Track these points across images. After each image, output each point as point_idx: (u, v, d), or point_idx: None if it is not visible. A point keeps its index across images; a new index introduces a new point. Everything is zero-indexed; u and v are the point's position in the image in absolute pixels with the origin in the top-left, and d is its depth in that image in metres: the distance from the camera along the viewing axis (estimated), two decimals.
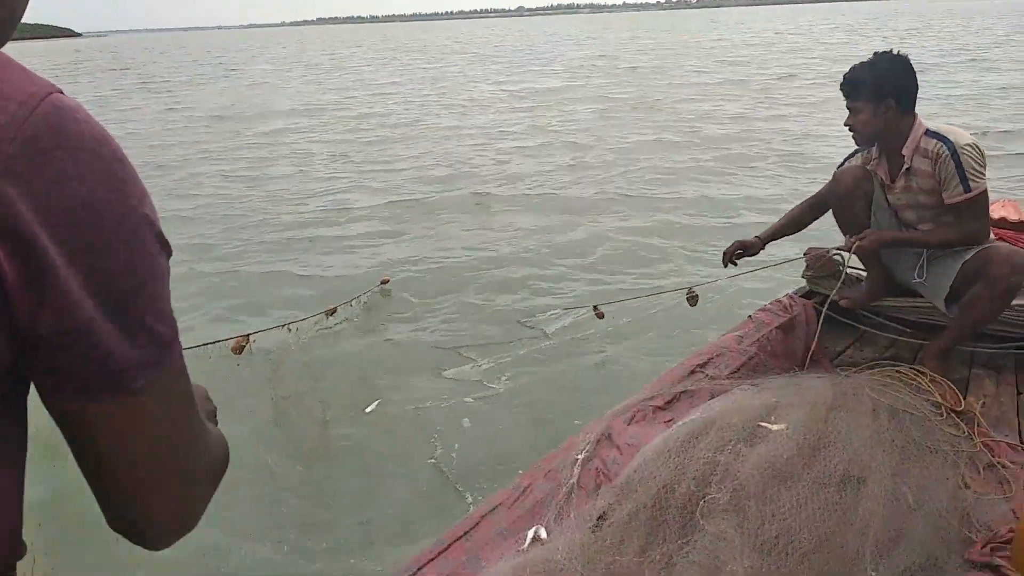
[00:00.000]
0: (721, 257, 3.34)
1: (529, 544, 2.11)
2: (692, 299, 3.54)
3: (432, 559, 2.05)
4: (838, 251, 3.17)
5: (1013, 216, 3.93)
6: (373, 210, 8.43)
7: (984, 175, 2.76)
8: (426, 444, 3.73)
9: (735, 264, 3.32)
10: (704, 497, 2.07)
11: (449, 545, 2.10)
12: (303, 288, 6.03)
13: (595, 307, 3.78)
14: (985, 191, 2.77)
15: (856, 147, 3.14)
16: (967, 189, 2.76)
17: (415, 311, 5.43)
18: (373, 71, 30.26)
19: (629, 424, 2.59)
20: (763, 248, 3.31)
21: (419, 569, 2.02)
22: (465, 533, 2.16)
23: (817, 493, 2.08)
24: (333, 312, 4.91)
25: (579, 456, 2.41)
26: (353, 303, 5.21)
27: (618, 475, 2.30)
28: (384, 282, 5.68)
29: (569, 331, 4.84)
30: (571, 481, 2.32)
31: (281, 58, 45.37)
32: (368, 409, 4.01)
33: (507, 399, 4.12)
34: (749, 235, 3.37)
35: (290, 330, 4.56)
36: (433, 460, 3.61)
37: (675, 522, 2.04)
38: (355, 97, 20.42)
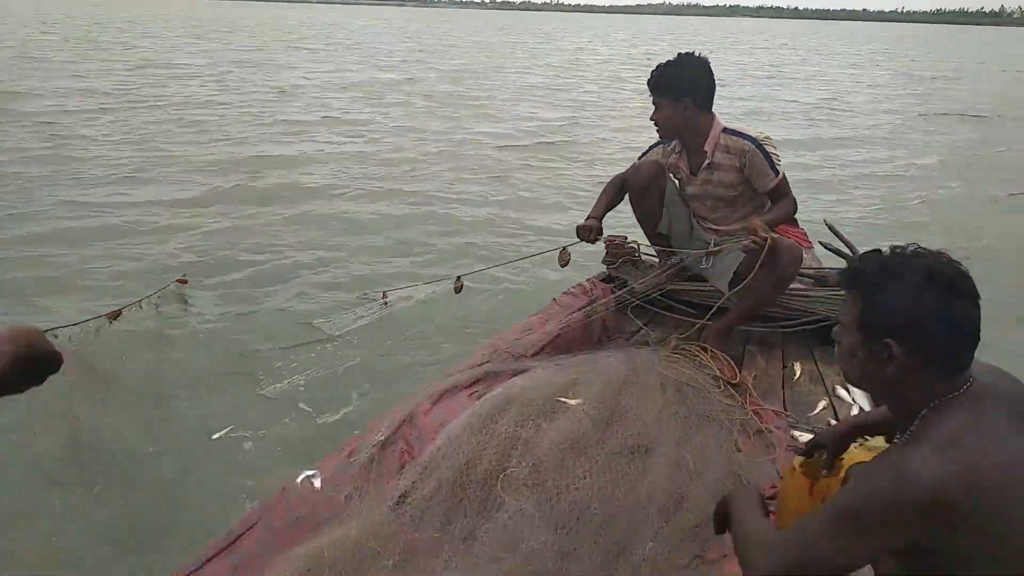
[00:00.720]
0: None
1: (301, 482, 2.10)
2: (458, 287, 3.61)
3: (222, 550, 1.91)
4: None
5: None
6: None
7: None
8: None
9: (593, 243, 3.36)
10: (505, 471, 2.10)
11: (239, 536, 1.96)
12: (82, 285, 5.27)
13: (457, 279, 3.69)
14: (784, 174, 3.13)
15: (657, 141, 3.35)
16: (777, 173, 3.09)
17: (213, 311, 4.97)
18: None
19: (434, 405, 2.56)
20: (600, 225, 3.37)
21: (205, 563, 1.86)
22: (260, 519, 2.02)
23: (610, 464, 2.18)
24: (117, 316, 4.18)
25: (380, 438, 2.35)
26: (143, 304, 4.59)
27: (422, 454, 2.27)
28: (182, 282, 5.11)
29: (367, 321, 4.71)
30: (371, 463, 2.25)
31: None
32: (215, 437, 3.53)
33: (306, 396, 3.89)
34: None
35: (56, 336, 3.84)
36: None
37: (477, 497, 2.05)
38: None
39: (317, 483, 2.14)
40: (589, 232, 3.27)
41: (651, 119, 3.15)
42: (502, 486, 2.04)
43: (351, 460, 2.28)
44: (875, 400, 1.51)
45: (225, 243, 6.19)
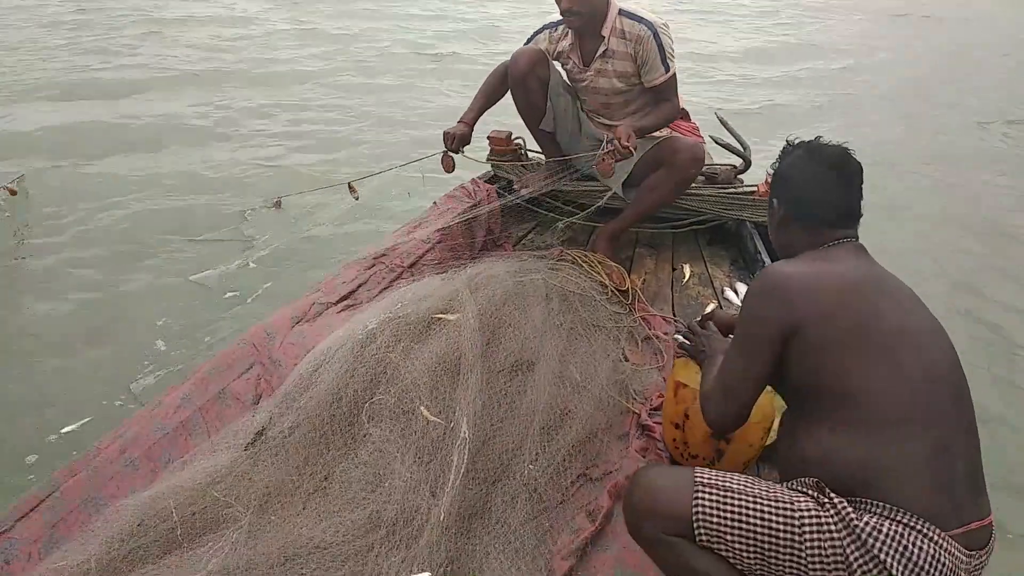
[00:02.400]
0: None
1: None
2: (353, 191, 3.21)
3: (39, 503, 1.63)
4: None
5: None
6: None
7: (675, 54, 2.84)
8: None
9: (457, 153, 3.06)
10: (371, 400, 1.89)
11: (59, 487, 1.68)
12: None
13: (350, 184, 3.29)
14: (675, 73, 2.85)
15: (544, 25, 3.03)
16: (667, 69, 2.81)
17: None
18: None
19: (298, 324, 2.30)
20: (471, 131, 3.09)
21: (20, 519, 1.58)
22: (87, 467, 1.75)
23: (487, 384, 2.02)
24: None
25: (234, 365, 2.09)
26: None
27: (282, 382, 2.03)
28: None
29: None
30: (222, 394, 2.00)
31: None
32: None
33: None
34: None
35: None
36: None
37: (341, 430, 1.85)
38: None
39: None
40: (451, 140, 2.97)
41: (566, 8, 2.70)
42: (367, 416, 1.83)
43: (199, 391, 2.01)
44: (780, 254, 1.75)
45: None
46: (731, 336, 1.87)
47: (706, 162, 3.58)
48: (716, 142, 3.49)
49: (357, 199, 3.20)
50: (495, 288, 2.43)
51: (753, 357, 1.48)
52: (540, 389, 2.08)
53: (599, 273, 2.79)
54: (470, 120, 3.04)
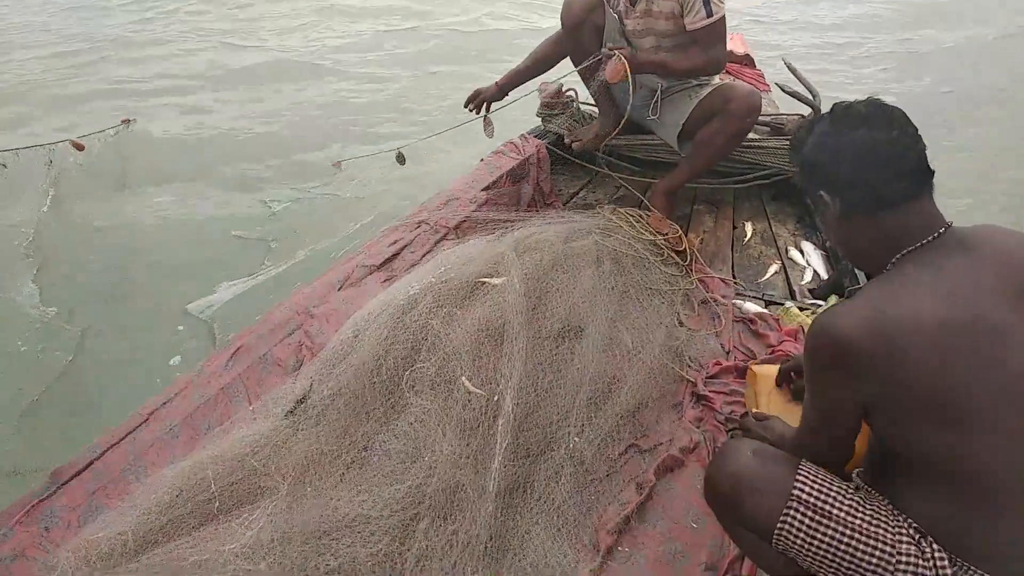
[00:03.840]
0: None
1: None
2: (399, 158, 3.16)
3: (79, 472, 1.63)
4: (598, 57, 2.76)
5: (740, 49, 3.98)
6: None
7: (725, 1, 2.61)
8: None
9: (479, 112, 2.99)
10: (412, 367, 1.83)
11: (103, 454, 1.68)
12: None
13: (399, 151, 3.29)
14: (724, 17, 2.61)
15: None
16: (709, 14, 2.56)
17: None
18: None
19: (341, 289, 2.25)
20: (504, 95, 2.99)
21: (62, 485, 1.59)
22: (129, 434, 1.74)
23: (533, 351, 1.93)
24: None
25: (276, 330, 2.06)
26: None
27: (323, 350, 1.99)
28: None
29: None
30: (263, 360, 1.97)
31: None
32: None
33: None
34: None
35: None
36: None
37: (381, 399, 1.79)
38: None
39: None
40: (475, 97, 2.95)
41: None
42: (408, 385, 1.77)
43: (241, 356, 1.99)
44: (853, 265, 1.47)
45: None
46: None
47: (773, 111, 3.36)
48: (783, 90, 3.25)
49: (402, 163, 3.16)
50: (543, 250, 2.32)
51: (835, 421, 1.25)
52: (588, 357, 1.99)
53: (654, 233, 2.65)
54: (503, 82, 2.93)
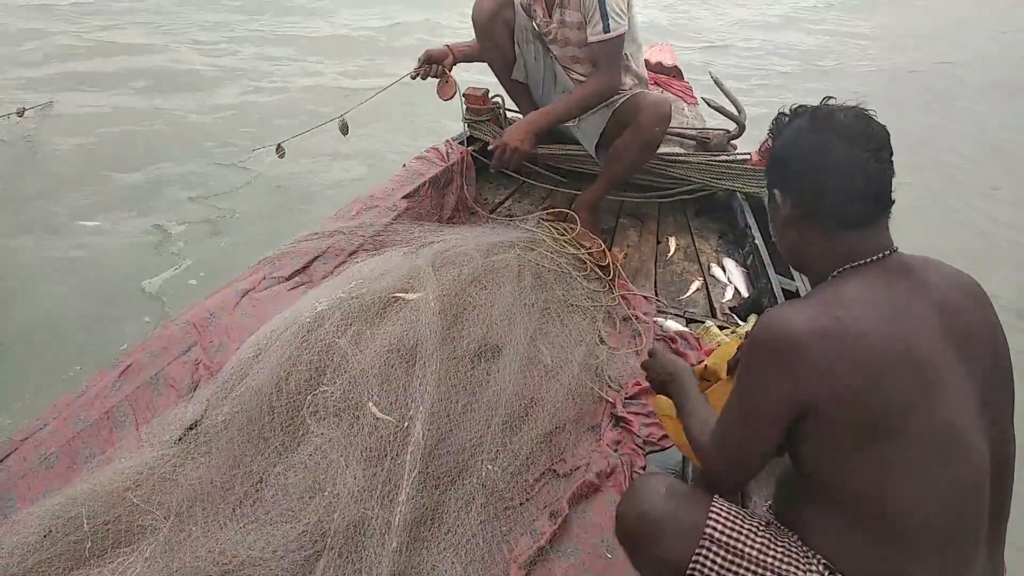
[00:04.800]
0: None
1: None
2: (343, 128, 2.98)
3: None
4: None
5: (669, 60, 3.99)
6: None
7: (625, 18, 2.57)
8: None
9: (426, 78, 2.87)
10: (314, 391, 1.72)
11: None
12: None
13: (278, 146, 3.11)
14: (622, 36, 2.58)
15: None
16: (607, 29, 2.53)
17: None
18: None
19: (242, 299, 2.11)
20: (456, 61, 2.88)
21: None
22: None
23: (448, 373, 1.84)
24: None
25: (171, 347, 1.91)
26: None
27: (222, 368, 1.85)
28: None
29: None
30: (155, 380, 1.82)
31: None
32: None
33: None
34: None
35: None
36: None
37: (280, 427, 1.67)
38: None
39: None
40: (428, 59, 2.82)
41: None
42: (310, 411, 1.66)
43: (130, 375, 1.83)
44: (792, 265, 1.38)
45: None
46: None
47: (700, 125, 3.37)
48: (709, 104, 3.27)
49: (282, 157, 2.99)
50: (462, 264, 2.25)
51: (757, 427, 1.17)
52: (505, 378, 1.92)
53: (577, 246, 2.60)
54: (457, 50, 2.86)
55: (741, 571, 1.17)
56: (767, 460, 1.22)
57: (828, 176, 1.19)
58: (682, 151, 3.07)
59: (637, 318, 2.40)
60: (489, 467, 1.72)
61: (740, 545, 1.18)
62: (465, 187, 2.89)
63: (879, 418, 1.07)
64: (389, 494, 1.52)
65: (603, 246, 2.65)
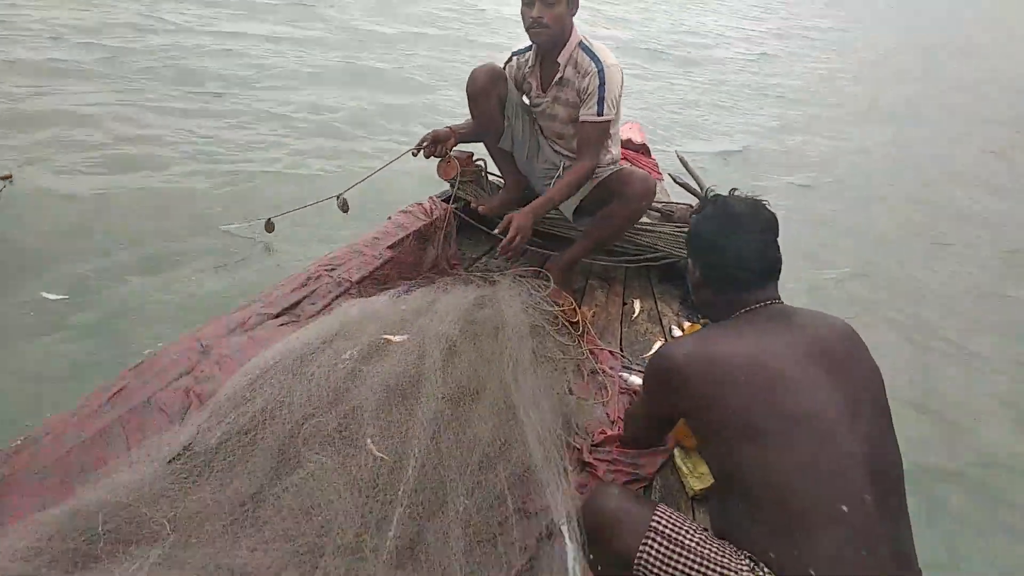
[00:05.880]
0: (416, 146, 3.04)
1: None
2: (342, 205, 3.14)
3: None
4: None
5: (638, 138, 4.28)
6: None
7: (617, 105, 2.82)
8: None
9: (428, 156, 3.06)
10: (307, 422, 1.82)
11: None
12: None
13: (268, 220, 3.31)
14: (611, 121, 2.81)
15: (513, 52, 3.03)
16: (600, 112, 2.75)
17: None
18: None
19: (232, 333, 2.21)
20: (457, 142, 3.09)
21: None
22: None
23: (434, 413, 1.96)
24: None
25: (163, 374, 1.99)
26: None
27: (213, 396, 1.94)
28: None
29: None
30: (147, 404, 1.89)
31: None
32: None
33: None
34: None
35: None
36: None
37: (272, 452, 1.76)
38: None
39: None
40: (433, 139, 3.01)
41: (535, 18, 2.65)
42: (303, 439, 1.76)
43: (123, 398, 1.91)
44: (702, 314, 1.92)
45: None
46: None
47: (665, 199, 3.63)
48: (675, 181, 3.54)
49: (345, 211, 3.10)
50: (444, 311, 2.39)
51: (650, 423, 1.79)
52: (484, 420, 2.04)
53: (550, 303, 2.77)
54: (459, 131, 3.05)
55: (683, 560, 1.35)
56: (663, 435, 1.91)
57: (723, 253, 1.57)
58: (648, 221, 3.30)
59: (604, 372, 2.56)
60: (466, 501, 1.83)
61: (681, 538, 1.37)
62: (446, 242, 3.06)
63: (750, 413, 1.36)
64: (379, 523, 1.62)
65: (574, 304, 2.83)
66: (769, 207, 1.61)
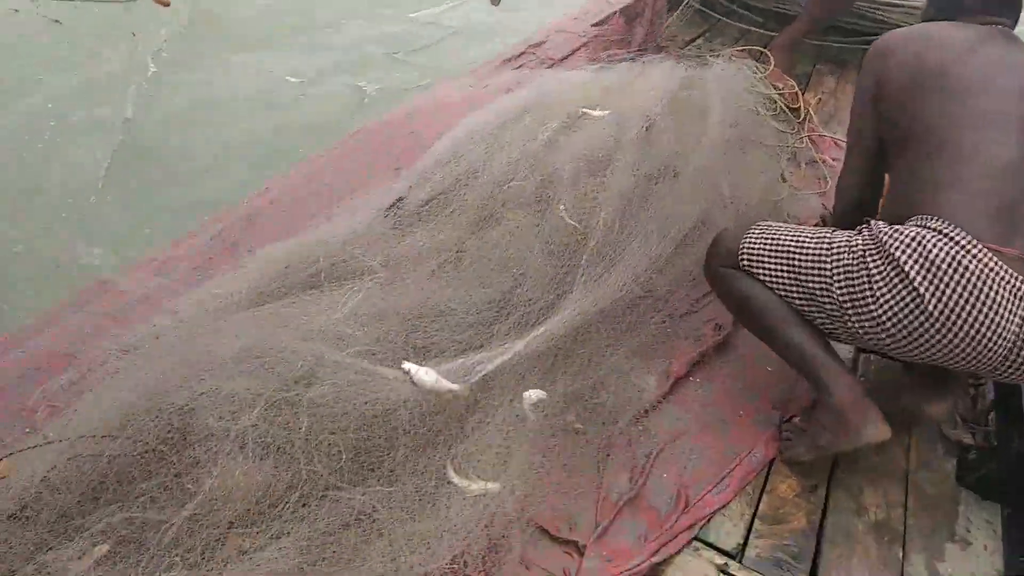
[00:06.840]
0: None
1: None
2: None
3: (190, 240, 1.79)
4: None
5: None
6: None
7: None
8: None
9: None
10: (508, 184, 1.86)
11: (220, 228, 1.83)
12: None
13: None
14: None
15: None
16: None
17: None
18: None
19: (438, 101, 2.27)
20: None
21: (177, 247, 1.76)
22: (234, 215, 1.88)
23: (630, 186, 1.91)
24: None
25: (380, 136, 2.11)
26: None
27: (422, 158, 2.03)
28: None
29: None
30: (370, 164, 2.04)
31: None
32: None
33: None
34: None
35: None
36: None
37: (474, 211, 1.84)
38: None
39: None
40: None
41: None
42: (502, 201, 1.81)
43: (347, 157, 2.07)
44: None
45: None
46: None
47: None
48: None
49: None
50: (651, 90, 2.25)
51: (862, 114, 1.60)
52: (681, 199, 1.96)
53: (769, 86, 2.51)
54: None
55: (777, 235, 1.48)
56: (875, 146, 1.59)
57: None
58: None
59: (824, 162, 2.33)
60: (654, 276, 1.81)
61: (777, 227, 1.52)
62: (655, 20, 2.83)
63: (926, 74, 1.42)
64: (565, 288, 1.65)
65: (796, 88, 2.55)
66: None
